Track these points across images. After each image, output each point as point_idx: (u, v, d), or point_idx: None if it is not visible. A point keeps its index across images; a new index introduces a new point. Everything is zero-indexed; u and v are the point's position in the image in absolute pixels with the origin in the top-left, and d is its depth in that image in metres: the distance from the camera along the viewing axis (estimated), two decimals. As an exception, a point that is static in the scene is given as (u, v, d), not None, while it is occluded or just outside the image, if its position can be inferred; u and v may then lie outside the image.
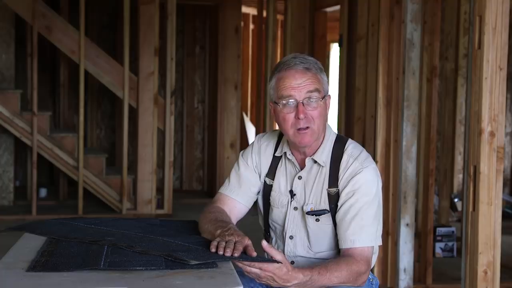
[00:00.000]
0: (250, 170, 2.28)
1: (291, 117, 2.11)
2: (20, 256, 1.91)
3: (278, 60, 7.35)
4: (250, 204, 2.31)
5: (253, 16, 8.30)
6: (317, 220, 2.17)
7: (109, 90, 6.67)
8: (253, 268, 1.88)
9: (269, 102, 2.21)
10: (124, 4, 6.12)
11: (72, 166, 6.31)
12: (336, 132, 2.29)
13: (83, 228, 2.26)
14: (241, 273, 2.04)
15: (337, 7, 5.73)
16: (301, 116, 2.09)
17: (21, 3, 6.13)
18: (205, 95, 7.98)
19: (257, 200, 2.33)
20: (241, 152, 2.34)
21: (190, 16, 7.90)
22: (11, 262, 1.86)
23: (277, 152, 2.26)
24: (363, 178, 2.12)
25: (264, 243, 1.92)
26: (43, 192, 7.05)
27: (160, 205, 6.43)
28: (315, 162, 2.19)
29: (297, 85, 2.10)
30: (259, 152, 2.29)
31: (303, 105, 2.09)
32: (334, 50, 9.33)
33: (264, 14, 6.87)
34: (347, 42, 5.14)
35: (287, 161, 2.24)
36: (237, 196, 2.27)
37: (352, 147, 2.19)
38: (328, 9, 6.49)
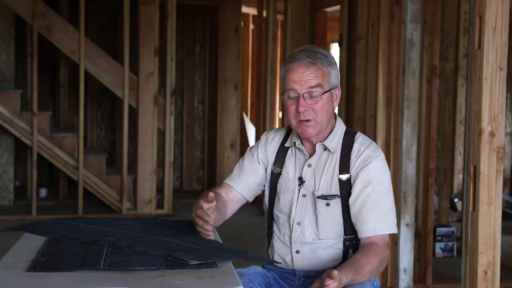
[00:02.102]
0: (254, 161, 2.33)
1: (293, 108, 2.18)
2: (20, 256, 1.91)
3: (278, 60, 7.38)
4: (247, 194, 2.34)
5: (253, 16, 8.30)
6: (328, 204, 2.19)
7: (109, 90, 6.67)
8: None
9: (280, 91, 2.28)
10: (124, 4, 6.12)
11: (72, 166, 6.31)
12: None
13: (83, 228, 2.26)
14: (241, 273, 2.05)
15: (337, 7, 5.73)
16: (301, 109, 2.15)
17: (21, 3, 6.13)
18: (205, 95, 7.98)
19: (263, 194, 2.36)
20: (249, 147, 2.40)
21: (190, 16, 7.90)
22: (11, 262, 1.86)
23: (286, 142, 2.31)
24: (376, 167, 2.18)
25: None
26: (43, 192, 7.05)
27: (160, 205, 6.43)
28: (325, 149, 2.23)
29: (299, 78, 2.15)
30: (265, 144, 2.34)
31: (303, 98, 2.15)
32: (334, 50, 9.33)
33: (264, 14, 6.87)
34: (347, 42, 5.14)
35: (297, 150, 2.28)
36: (235, 184, 2.33)
37: (362, 137, 2.25)
38: (328, 9, 6.49)
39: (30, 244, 2.05)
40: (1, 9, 6.45)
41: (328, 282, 1.89)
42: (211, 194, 2.06)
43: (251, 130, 8.21)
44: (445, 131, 5.78)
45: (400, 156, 4.01)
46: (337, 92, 2.22)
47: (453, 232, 5.12)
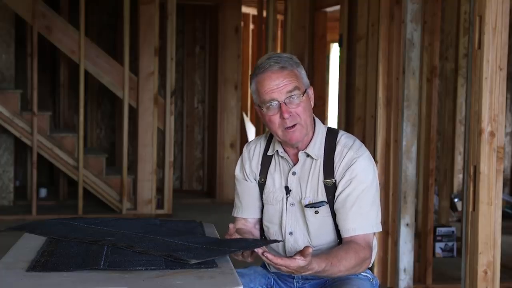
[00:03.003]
0: (245, 182, 2.30)
1: (276, 118, 2.13)
2: (20, 256, 1.91)
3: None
4: (258, 213, 2.31)
5: (253, 16, 8.29)
6: (316, 212, 2.17)
7: (109, 90, 6.67)
8: (281, 267, 1.89)
9: (254, 105, 2.22)
10: (124, 4, 6.12)
11: (72, 166, 6.31)
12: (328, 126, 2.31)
13: (83, 228, 2.26)
14: (241, 274, 2.04)
15: (337, 7, 5.73)
16: (286, 115, 2.11)
17: (21, 3, 6.13)
18: (205, 95, 7.98)
19: None
20: (235, 170, 2.35)
21: (190, 16, 7.90)
22: (11, 262, 1.86)
23: (269, 151, 2.27)
24: (359, 166, 2.14)
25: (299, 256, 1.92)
26: (43, 192, 7.05)
27: (160, 205, 6.43)
28: (308, 156, 2.20)
29: (276, 86, 2.10)
30: (248, 158, 2.30)
31: (285, 104, 2.11)
32: (334, 50, 9.33)
33: (264, 14, 6.87)
34: (347, 42, 5.14)
35: (280, 158, 2.25)
36: (243, 213, 2.31)
37: (344, 138, 2.21)
38: (328, 9, 6.48)
39: (30, 244, 2.05)
40: (1, 9, 6.45)
41: (297, 257, 1.88)
42: (231, 225, 2.06)
43: (251, 130, 8.21)
44: (445, 131, 5.78)
45: (400, 156, 4.01)
46: (311, 92, 2.19)
47: (453, 232, 5.12)
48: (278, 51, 7.60)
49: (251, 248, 1.96)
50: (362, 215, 2.12)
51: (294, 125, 2.12)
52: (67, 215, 5.95)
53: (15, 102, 6.24)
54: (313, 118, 2.23)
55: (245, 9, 7.92)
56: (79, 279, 1.70)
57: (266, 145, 2.29)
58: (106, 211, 6.30)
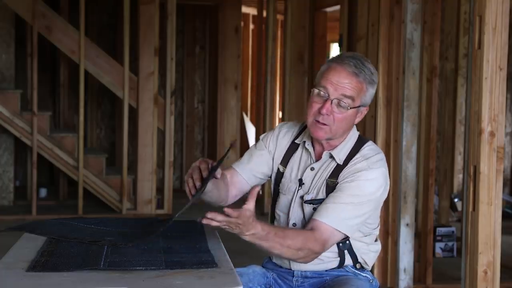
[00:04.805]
0: (265, 151, 2.31)
1: (316, 106, 2.13)
2: (20, 256, 1.91)
3: (278, 60, 7.37)
4: (252, 182, 2.31)
5: (253, 16, 8.30)
6: (314, 209, 2.16)
7: (109, 90, 6.67)
8: (226, 220, 1.84)
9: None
10: (124, 4, 6.12)
11: (72, 166, 6.31)
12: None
13: (83, 228, 2.26)
14: (239, 273, 2.04)
15: (337, 7, 5.73)
16: (323, 111, 2.10)
17: (21, 3, 6.13)
18: (205, 95, 7.98)
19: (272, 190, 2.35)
20: (262, 135, 2.37)
21: (190, 16, 7.90)
22: (11, 262, 1.86)
23: (297, 139, 2.28)
24: (364, 176, 2.11)
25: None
26: (43, 192, 7.04)
27: (160, 205, 6.43)
28: (331, 157, 2.19)
29: (336, 82, 2.10)
30: (277, 137, 2.31)
31: (331, 103, 2.10)
32: (334, 50, 9.33)
33: (264, 14, 6.87)
34: (347, 42, 5.14)
35: (304, 150, 2.25)
36: (242, 170, 2.30)
37: (368, 149, 2.19)
38: (328, 9, 6.49)
39: (30, 244, 2.05)
40: (1, 9, 6.45)
41: (234, 212, 1.83)
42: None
43: (251, 130, 8.21)
44: (445, 131, 5.78)
45: (400, 156, 4.01)
46: (364, 111, 2.18)
47: (453, 232, 5.12)
48: (278, 51, 7.60)
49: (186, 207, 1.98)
50: (339, 213, 2.07)
51: (324, 124, 2.12)
52: (67, 215, 5.95)
53: (15, 102, 6.25)
54: (352, 127, 2.20)
55: (245, 9, 7.93)
56: (79, 279, 1.70)
57: (298, 133, 2.30)
58: (106, 211, 6.30)
